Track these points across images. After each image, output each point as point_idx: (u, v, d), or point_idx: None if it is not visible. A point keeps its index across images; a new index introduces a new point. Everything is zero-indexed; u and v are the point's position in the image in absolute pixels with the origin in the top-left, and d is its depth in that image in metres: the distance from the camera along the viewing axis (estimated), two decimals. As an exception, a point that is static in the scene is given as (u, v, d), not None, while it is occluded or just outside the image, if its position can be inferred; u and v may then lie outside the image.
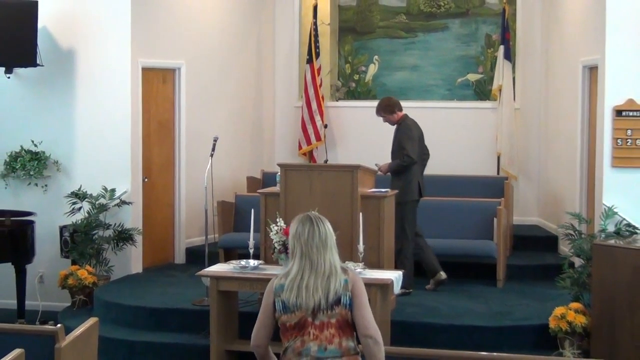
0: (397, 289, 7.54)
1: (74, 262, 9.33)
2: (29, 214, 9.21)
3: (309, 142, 11.64)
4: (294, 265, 4.39)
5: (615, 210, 8.06)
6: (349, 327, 4.36)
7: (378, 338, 4.32)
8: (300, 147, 11.74)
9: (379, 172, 8.71)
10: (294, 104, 11.94)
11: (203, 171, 9.29)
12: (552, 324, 7.55)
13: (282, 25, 12.05)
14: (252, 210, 8.05)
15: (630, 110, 8.38)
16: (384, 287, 7.31)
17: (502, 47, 11.15)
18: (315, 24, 11.66)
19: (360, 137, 11.66)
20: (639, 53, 8.36)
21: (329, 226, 4.49)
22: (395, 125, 8.83)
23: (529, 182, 11.12)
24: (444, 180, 10.01)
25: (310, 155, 11.70)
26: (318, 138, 11.61)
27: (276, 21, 12.05)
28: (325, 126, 11.64)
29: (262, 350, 4.55)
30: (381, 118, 8.91)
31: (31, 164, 9.83)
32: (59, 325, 6.16)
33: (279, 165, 8.45)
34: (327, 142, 11.69)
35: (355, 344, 4.40)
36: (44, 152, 9.90)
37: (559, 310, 7.56)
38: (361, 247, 7.53)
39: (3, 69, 9.61)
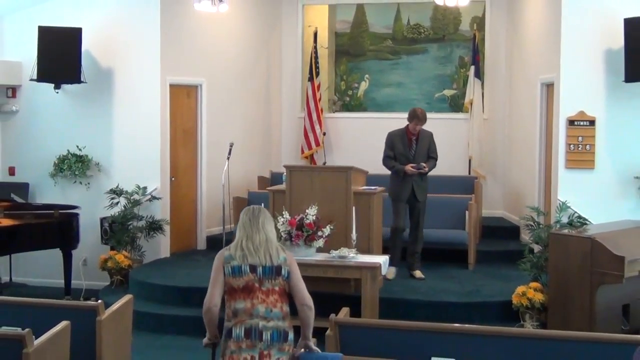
0: (384, 271, 7.56)
1: (112, 248, 9.35)
2: (75, 207, 9.21)
3: (310, 147, 11.65)
4: (236, 239, 4.59)
5: (568, 204, 8.07)
6: (286, 295, 4.54)
7: (311, 305, 4.57)
8: (302, 151, 11.74)
9: (425, 170, 8.31)
10: (298, 115, 11.94)
11: (221, 171, 9.32)
12: (515, 301, 7.57)
13: (287, 49, 12.05)
14: (262, 205, 8.06)
15: (581, 120, 8.40)
16: (374, 269, 7.32)
17: (472, 67, 11.16)
18: (315, 48, 11.66)
19: (353, 143, 11.68)
20: (588, 72, 8.38)
21: (268, 216, 4.70)
22: (418, 132, 8.39)
23: (495, 181, 11.14)
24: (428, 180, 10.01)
25: (311, 158, 11.70)
26: (318, 144, 11.61)
27: (283, 46, 12.04)
28: (324, 134, 11.65)
29: (216, 309, 4.58)
30: (418, 127, 8.33)
31: (76, 166, 9.85)
32: (99, 301, 6.16)
33: (285, 166, 8.45)
34: (326, 147, 11.69)
35: (288, 310, 4.55)
36: (87, 155, 9.91)
37: (520, 289, 7.58)
38: (354, 235, 7.55)
39: (53, 85, 9.63)
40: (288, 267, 4.51)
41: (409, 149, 8.39)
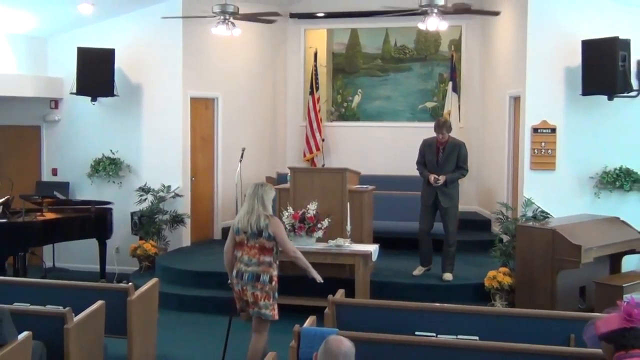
0: (374, 258, 7.55)
1: (141, 238, 9.34)
2: (108, 203, 9.21)
3: (310, 152, 11.62)
4: (243, 209, 5.56)
5: (532, 201, 8.09)
6: (266, 249, 5.47)
7: (298, 254, 5.66)
8: (304, 155, 11.71)
9: (439, 183, 7.66)
10: (300, 124, 11.92)
11: (234, 172, 9.31)
12: (487, 283, 7.57)
13: (291, 67, 12.03)
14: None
15: (544, 128, 8.40)
16: (365, 256, 7.33)
17: (450, 83, 11.13)
18: (315, 66, 11.63)
19: (348, 148, 11.65)
20: (550, 86, 8.38)
21: (262, 189, 5.54)
22: (446, 141, 7.76)
23: (470, 180, 11.07)
24: (411, 180, 9.77)
25: (311, 161, 11.67)
26: (317, 148, 11.58)
27: (287, 64, 12.02)
28: (323, 140, 11.61)
29: (228, 254, 5.66)
30: (441, 135, 7.72)
31: (110, 167, 9.85)
32: (130, 283, 6.18)
33: (289, 168, 8.46)
34: (324, 151, 11.66)
35: (271, 260, 5.50)
36: (119, 159, 9.91)
37: (491, 273, 7.59)
38: (348, 227, 7.55)
39: (90, 98, 9.62)
40: (270, 231, 5.43)
41: (436, 156, 7.77)
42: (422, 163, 7.91)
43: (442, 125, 7.74)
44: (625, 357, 3.54)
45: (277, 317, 5.56)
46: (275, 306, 5.55)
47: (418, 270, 8.04)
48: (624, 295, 6.32)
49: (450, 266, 7.95)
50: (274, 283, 5.51)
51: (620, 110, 8.21)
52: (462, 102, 11.21)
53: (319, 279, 5.77)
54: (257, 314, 5.52)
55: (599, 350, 3.75)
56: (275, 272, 5.54)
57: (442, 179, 7.68)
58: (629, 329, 3.59)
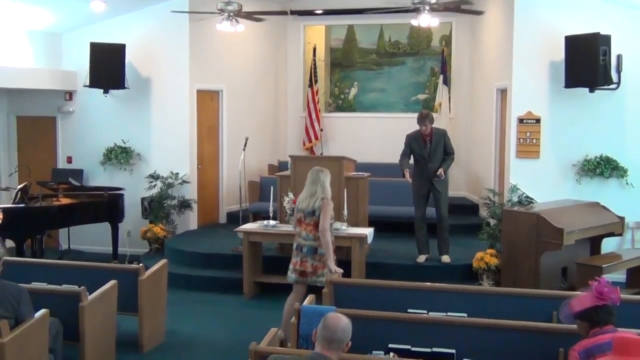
0: (369, 240, 7.54)
1: (150, 222, 9.34)
2: (120, 189, 9.19)
3: (310, 141, 11.60)
4: (305, 192, 5.98)
5: (518, 187, 8.08)
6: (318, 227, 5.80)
7: (326, 236, 5.78)
8: (304, 144, 11.70)
9: (442, 177, 7.65)
10: (300, 115, 11.89)
11: (238, 160, 9.29)
12: (475, 264, 7.60)
13: (292, 62, 11.98)
14: (272, 187, 8.07)
15: (529, 119, 8.38)
16: (361, 239, 7.34)
17: (441, 76, 11.09)
18: (314, 60, 11.59)
19: (345, 137, 11.63)
20: (535, 79, 8.35)
21: (322, 175, 5.99)
22: (430, 132, 7.67)
23: (459, 167, 11.08)
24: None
25: (311, 149, 11.66)
26: (316, 138, 11.56)
27: (288, 59, 11.98)
28: (321, 130, 11.60)
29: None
30: (424, 127, 7.63)
31: (121, 155, 9.83)
32: (140, 264, 6.20)
33: (290, 156, 8.46)
34: (323, 140, 11.64)
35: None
36: (130, 147, 9.88)
37: (479, 255, 7.61)
38: (345, 211, 7.55)
39: (102, 90, 9.58)
40: (318, 211, 5.81)
41: (424, 148, 7.68)
42: (407, 154, 7.81)
43: (426, 117, 7.67)
44: (600, 332, 3.57)
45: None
46: (328, 273, 5.80)
47: (420, 258, 7.97)
48: (603, 276, 6.34)
49: (446, 248, 7.96)
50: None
51: (601, 102, 8.19)
52: (452, 94, 11.19)
53: (334, 269, 5.74)
54: (313, 282, 5.85)
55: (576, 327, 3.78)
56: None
57: (441, 171, 7.65)
58: (601, 306, 3.62)
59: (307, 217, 5.86)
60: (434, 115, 11.00)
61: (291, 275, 5.93)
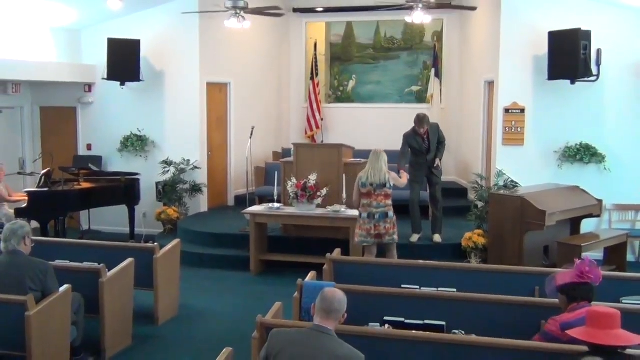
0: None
1: (164, 204, 9.34)
2: (136, 174, 9.18)
3: (311, 129, 11.57)
4: (368, 169, 6.45)
5: (504, 172, 8.07)
6: (388, 195, 6.47)
7: (400, 181, 6.63)
8: (305, 133, 11.67)
9: (440, 167, 7.77)
10: (302, 105, 11.86)
11: (245, 148, 9.28)
12: (464, 243, 7.61)
13: (294, 56, 11.93)
14: (276, 172, 8.06)
15: (514, 109, 8.35)
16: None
17: (433, 69, 11.04)
18: (315, 55, 11.54)
19: (344, 126, 11.61)
20: (520, 72, 8.30)
21: (383, 154, 6.51)
22: (425, 130, 7.57)
23: (449, 154, 11.00)
24: (396, 154, 9.92)
25: (312, 137, 11.64)
26: (317, 127, 11.53)
27: (291, 53, 11.93)
28: (322, 119, 11.57)
29: (357, 203, 6.60)
30: (422, 130, 7.54)
31: (137, 143, 9.81)
32: (155, 244, 6.21)
33: (293, 144, 8.44)
34: (323, 129, 11.62)
35: (391, 202, 6.52)
36: (145, 136, 9.86)
37: (468, 235, 7.62)
38: (344, 195, 7.55)
39: (119, 83, 9.54)
40: (389, 182, 6.41)
41: (422, 143, 7.63)
42: (406, 154, 7.66)
43: (423, 120, 7.57)
44: (576, 308, 3.58)
45: (397, 239, 6.59)
46: (397, 231, 6.54)
47: (413, 238, 7.95)
48: (582, 254, 6.34)
49: (439, 229, 7.97)
50: (394, 217, 6.53)
51: (582, 93, 8.16)
52: (443, 86, 11.15)
53: (404, 183, 6.73)
54: (388, 241, 6.47)
55: (558, 301, 3.78)
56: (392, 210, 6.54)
57: (438, 162, 7.71)
58: (580, 284, 3.61)
59: (378, 189, 6.39)
60: (427, 105, 11.12)
61: (366, 239, 6.47)
